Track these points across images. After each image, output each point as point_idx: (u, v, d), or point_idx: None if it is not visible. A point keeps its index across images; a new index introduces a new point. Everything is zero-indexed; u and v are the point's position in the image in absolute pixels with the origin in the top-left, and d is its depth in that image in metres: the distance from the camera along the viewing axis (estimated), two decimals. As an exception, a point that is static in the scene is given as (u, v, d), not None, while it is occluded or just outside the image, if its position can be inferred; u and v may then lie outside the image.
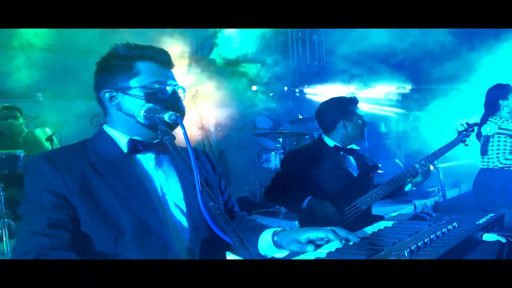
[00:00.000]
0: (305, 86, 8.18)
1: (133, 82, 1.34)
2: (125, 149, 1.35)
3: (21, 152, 4.03)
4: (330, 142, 2.65)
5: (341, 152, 2.64)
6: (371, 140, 7.54)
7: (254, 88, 7.18)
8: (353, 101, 2.68)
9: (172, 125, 1.27)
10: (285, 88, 8.15)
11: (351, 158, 2.69)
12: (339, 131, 2.63)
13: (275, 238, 1.39)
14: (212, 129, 5.93)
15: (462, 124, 3.00)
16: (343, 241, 1.28)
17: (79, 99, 5.26)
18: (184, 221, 1.36)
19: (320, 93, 7.91)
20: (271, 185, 2.63)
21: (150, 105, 1.28)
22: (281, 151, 5.76)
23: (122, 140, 1.36)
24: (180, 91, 1.42)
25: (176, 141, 1.22)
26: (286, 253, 1.41)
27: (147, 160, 1.38)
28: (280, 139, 5.79)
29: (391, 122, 8.10)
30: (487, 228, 1.43)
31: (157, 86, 1.34)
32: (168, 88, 1.36)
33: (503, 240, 1.31)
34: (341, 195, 2.47)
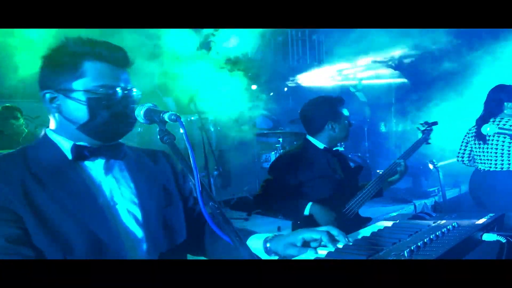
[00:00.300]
0: (304, 84, 8.18)
1: (77, 85, 1.23)
2: (69, 156, 1.25)
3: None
4: (319, 144, 2.58)
5: (329, 155, 2.60)
6: (371, 140, 7.55)
7: (254, 87, 7.18)
8: (340, 101, 2.62)
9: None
10: (285, 89, 8.16)
11: (337, 159, 2.65)
12: (327, 133, 2.56)
13: (268, 245, 1.34)
14: (212, 129, 5.93)
15: (422, 124, 3.02)
16: (336, 244, 1.27)
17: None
18: (139, 231, 1.28)
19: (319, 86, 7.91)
20: (262, 193, 2.52)
21: (149, 104, 1.26)
22: (281, 151, 5.76)
23: (66, 146, 1.26)
24: (134, 91, 1.31)
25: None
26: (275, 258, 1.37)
27: (95, 166, 1.29)
28: (280, 139, 5.80)
29: (391, 122, 8.10)
30: (487, 228, 1.43)
31: (103, 91, 1.23)
32: (118, 90, 1.26)
33: (503, 240, 1.31)
34: (334, 198, 2.45)
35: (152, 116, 1.21)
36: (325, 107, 2.58)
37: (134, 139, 5.15)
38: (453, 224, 1.39)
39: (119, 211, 1.28)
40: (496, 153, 3.58)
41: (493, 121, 3.55)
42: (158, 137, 1.19)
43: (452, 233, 1.32)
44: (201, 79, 5.79)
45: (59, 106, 1.27)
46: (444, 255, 1.11)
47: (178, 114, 1.16)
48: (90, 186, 1.24)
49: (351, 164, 2.76)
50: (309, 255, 1.25)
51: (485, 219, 1.48)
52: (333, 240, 1.27)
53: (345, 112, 2.61)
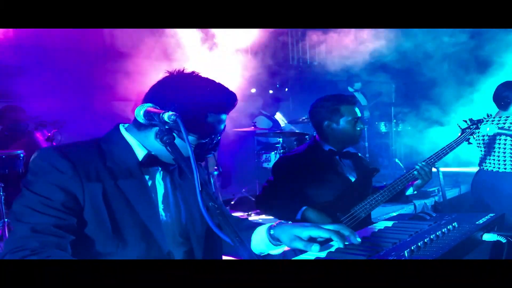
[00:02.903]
0: (304, 86, 8.18)
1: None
2: (140, 158, 1.34)
3: (21, 152, 4.03)
4: (324, 145, 2.47)
5: (337, 157, 2.46)
6: (371, 140, 7.55)
7: (253, 91, 7.18)
8: (344, 100, 2.44)
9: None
10: (286, 89, 8.15)
11: (349, 162, 2.53)
12: (327, 133, 2.44)
13: (272, 232, 1.38)
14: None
15: (465, 121, 2.83)
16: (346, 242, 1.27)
17: (79, 99, 5.26)
18: (179, 235, 1.39)
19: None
20: (262, 194, 2.45)
21: (149, 105, 1.26)
22: (281, 151, 5.75)
23: (138, 151, 1.35)
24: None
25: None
26: (283, 248, 1.40)
27: (154, 171, 1.39)
28: (280, 139, 5.79)
29: (391, 122, 8.09)
30: (487, 228, 1.43)
31: (205, 139, 1.34)
32: (215, 137, 1.37)
33: (503, 240, 1.31)
34: (338, 202, 2.33)
35: (152, 116, 1.21)
36: (324, 105, 2.45)
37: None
38: (453, 224, 1.39)
39: (164, 214, 1.37)
40: (498, 153, 3.54)
41: (492, 121, 3.52)
42: (158, 137, 1.19)
43: (452, 233, 1.32)
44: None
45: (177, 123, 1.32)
46: (444, 255, 1.11)
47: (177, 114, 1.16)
48: (148, 186, 1.34)
49: (368, 166, 2.56)
50: (315, 250, 1.24)
51: (485, 219, 1.48)
52: (343, 240, 1.26)
53: (348, 111, 2.42)
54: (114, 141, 1.35)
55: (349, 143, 2.48)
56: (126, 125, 1.41)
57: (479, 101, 5.32)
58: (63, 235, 1.15)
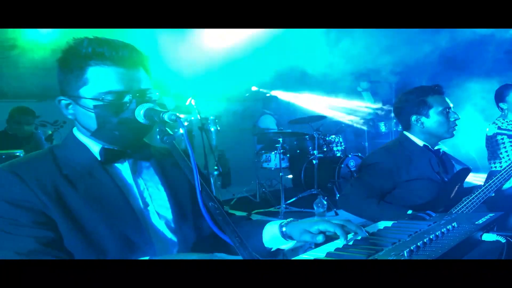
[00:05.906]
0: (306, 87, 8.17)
1: (83, 92, 1.19)
2: (99, 157, 1.23)
3: (20, 152, 4.03)
4: (418, 141, 2.28)
5: (432, 153, 2.28)
6: (370, 140, 7.55)
7: (254, 88, 7.18)
8: (431, 90, 2.26)
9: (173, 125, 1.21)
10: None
11: (442, 160, 2.35)
12: (416, 128, 2.27)
13: (284, 229, 1.39)
14: (212, 129, 5.92)
15: None
16: (348, 237, 1.31)
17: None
18: (170, 234, 1.28)
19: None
20: (350, 192, 2.23)
21: (149, 105, 1.25)
22: (281, 151, 5.76)
23: (94, 148, 1.25)
24: (148, 93, 1.25)
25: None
26: (293, 243, 1.43)
27: (124, 168, 1.29)
28: (280, 139, 5.80)
29: (391, 122, 8.10)
30: (487, 228, 1.43)
31: (110, 97, 1.18)
32: (126, 96, 1.20)
33: (503, 240, 1.31)
34: (435, 205, 2.12)
35: (152, 116, 1.20)
36: (407, 99, 2.28)
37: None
38: (453, 224, 1.39)
39: (150, 214, 1.27)
40: (499, 153, 3.59)
41: (493, 122, 3.59)
42: (158, 137, 1.19)
43: (452, 233, 1.32)
44: (202, 80, 5.79)
45: (74, 113, 1.25)
46: (444, 255, 1.11)
47: (177, 114, 1.16)
48: (120, 188, 1.23)
49: (457, 167, 2.39)
50: (320, 240, 1.29)
51: (485, 219, 1.48)
52: (347, 233, 1.30)
53: (437, 101, 2.22)
54: (68, 145, 1.25)
55: (442, 136, 2.29)
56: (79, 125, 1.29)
57: (479, 102, 5.32)
58: (48, 252, 1.05)
